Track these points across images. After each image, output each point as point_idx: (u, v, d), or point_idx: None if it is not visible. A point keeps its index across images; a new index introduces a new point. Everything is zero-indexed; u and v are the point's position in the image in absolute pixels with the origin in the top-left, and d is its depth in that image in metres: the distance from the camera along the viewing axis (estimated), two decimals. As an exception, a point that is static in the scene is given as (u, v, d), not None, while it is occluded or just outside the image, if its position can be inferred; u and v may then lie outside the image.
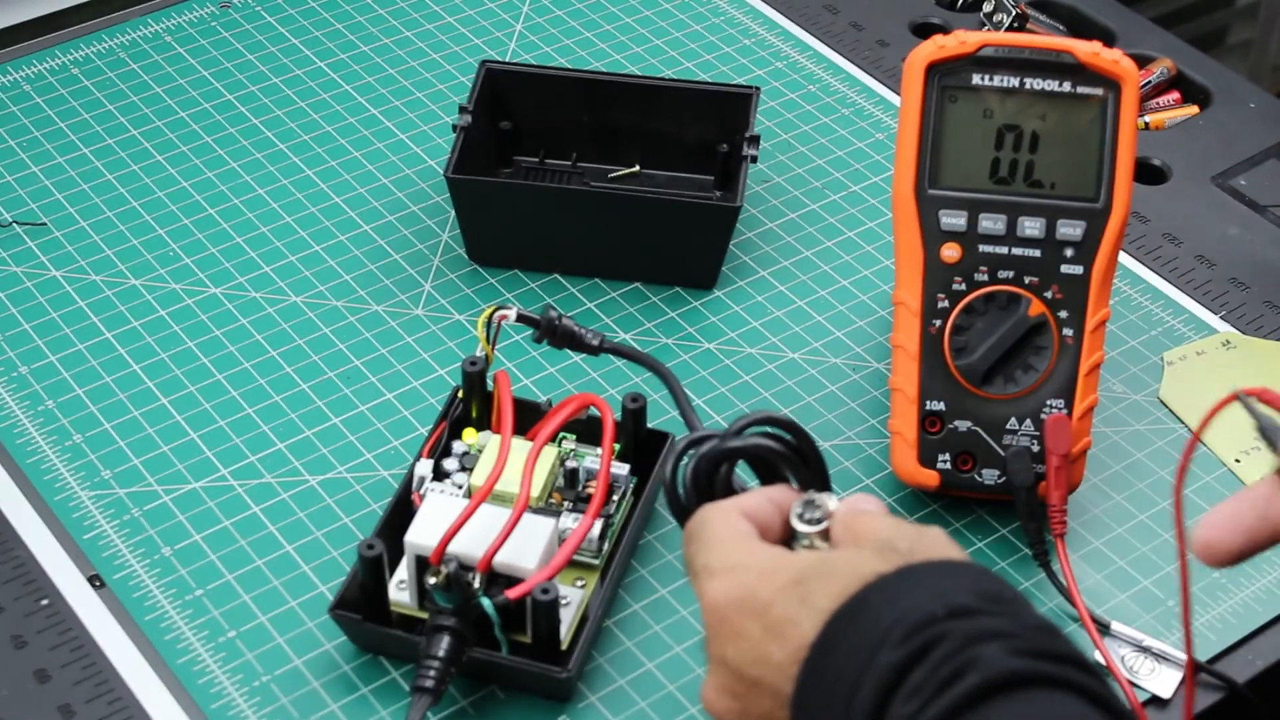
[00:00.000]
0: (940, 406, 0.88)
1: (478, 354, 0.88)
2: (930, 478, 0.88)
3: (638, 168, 1.08)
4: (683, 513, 0.74)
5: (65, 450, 0.92)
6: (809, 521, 0.70)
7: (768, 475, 0.75)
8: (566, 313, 1.00)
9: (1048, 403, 0.87)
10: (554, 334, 0.86)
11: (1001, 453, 0.88)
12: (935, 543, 0.67)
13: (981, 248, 0.88)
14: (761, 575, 0.67)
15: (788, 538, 0.72)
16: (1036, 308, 0.88)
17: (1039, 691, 0.59)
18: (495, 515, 0.80)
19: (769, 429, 0.75)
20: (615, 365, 0.97)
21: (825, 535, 0.70)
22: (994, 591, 0.63)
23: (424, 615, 0.80)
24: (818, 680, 0.63)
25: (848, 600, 0.64)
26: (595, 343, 0.87)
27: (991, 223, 0.88)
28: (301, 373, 0.97)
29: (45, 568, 0.87)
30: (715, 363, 0.99)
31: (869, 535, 0.68)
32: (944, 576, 0.64)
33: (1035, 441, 0.87)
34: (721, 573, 0.68)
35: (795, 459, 0.74)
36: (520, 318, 0.86)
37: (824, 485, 0.74)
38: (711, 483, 0.74)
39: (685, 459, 0.75)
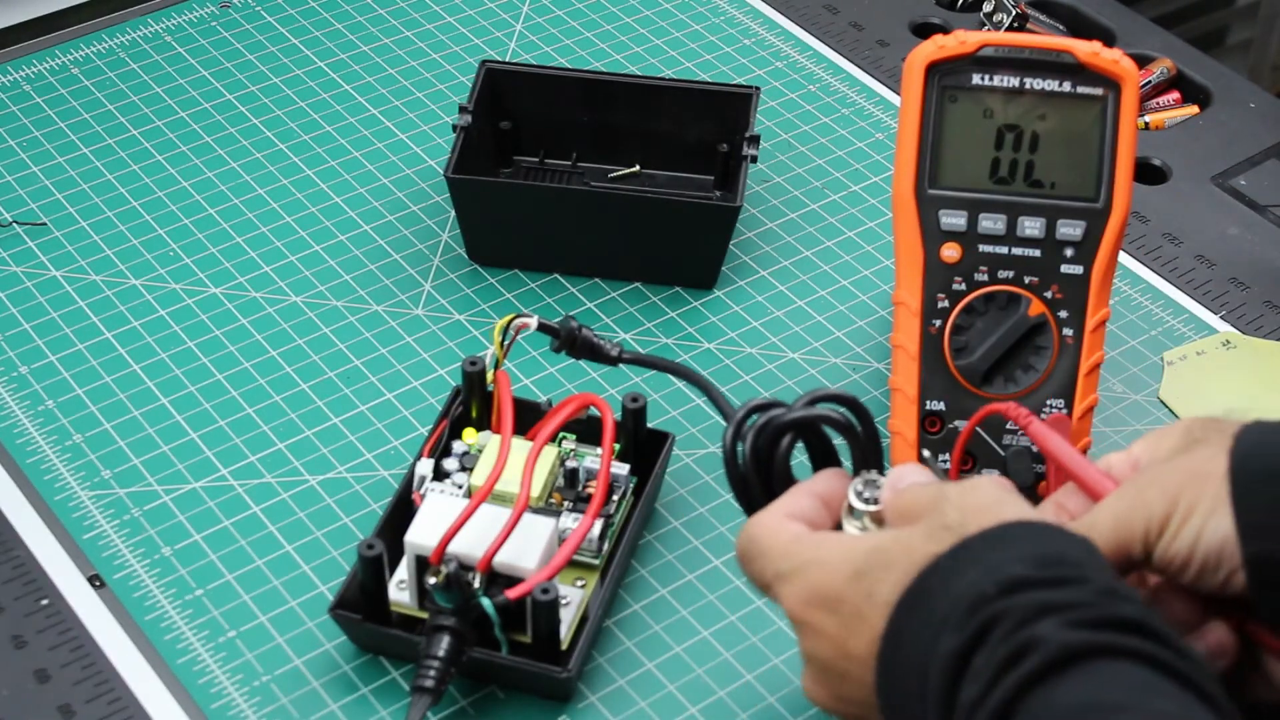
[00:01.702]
0: (940, 406, 0.88)
1: (487, 357, 0.88)
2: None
3: (638, 168, 1.08)
4: (739, 480, 0.74)
5: (65, 450, 0.92)
6: (868, 500, 0.70)
7: (821, 454, 0.75)
8: (566, 312, 1.00)
9: (1048, 403, 0.87)
10: (574, 345, 0.86)
11: (1001, 453, 0.88)
12: (985, 503, 0.65)
13: (981, 248, 0.88)
14: (825, 569, 0.67)
15: (836, 527, 0.71)
16: (1036, 308, 0.88)
17: (1101, 663, 0.58)
18: (495, 515, 0.80)
19: (830, 406, 0.74)
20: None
21: (877, 518, 0.70)
22: (1051, 554, 0.62)
23: (424, 615, 0.80)
24: (892, 672, 0.64)
25: (906, 591, 0.64)
26: (614, 354, 0.87)
27: (991, 223, 0.88)
28: (301, 373, 0.97)
29: (45, 568, 0.87)
30: (715, 363, 0.98)
31: (917, 511, 0.67)
32: (996, 547, 0.63)
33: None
34: (791, 575, 0.69)
35: (859, 436, 0.74)
36: (541, 327, 0.86)
37: (880, 465, 0.74)
38: (773, 454, 0.73)
39: (748, 425, 0.74)
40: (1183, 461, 0.67)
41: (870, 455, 0.74)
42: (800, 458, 0.76)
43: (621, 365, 0.87)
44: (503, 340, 0.86)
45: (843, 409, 0.74)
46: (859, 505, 0.70)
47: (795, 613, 0.68)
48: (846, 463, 0.77)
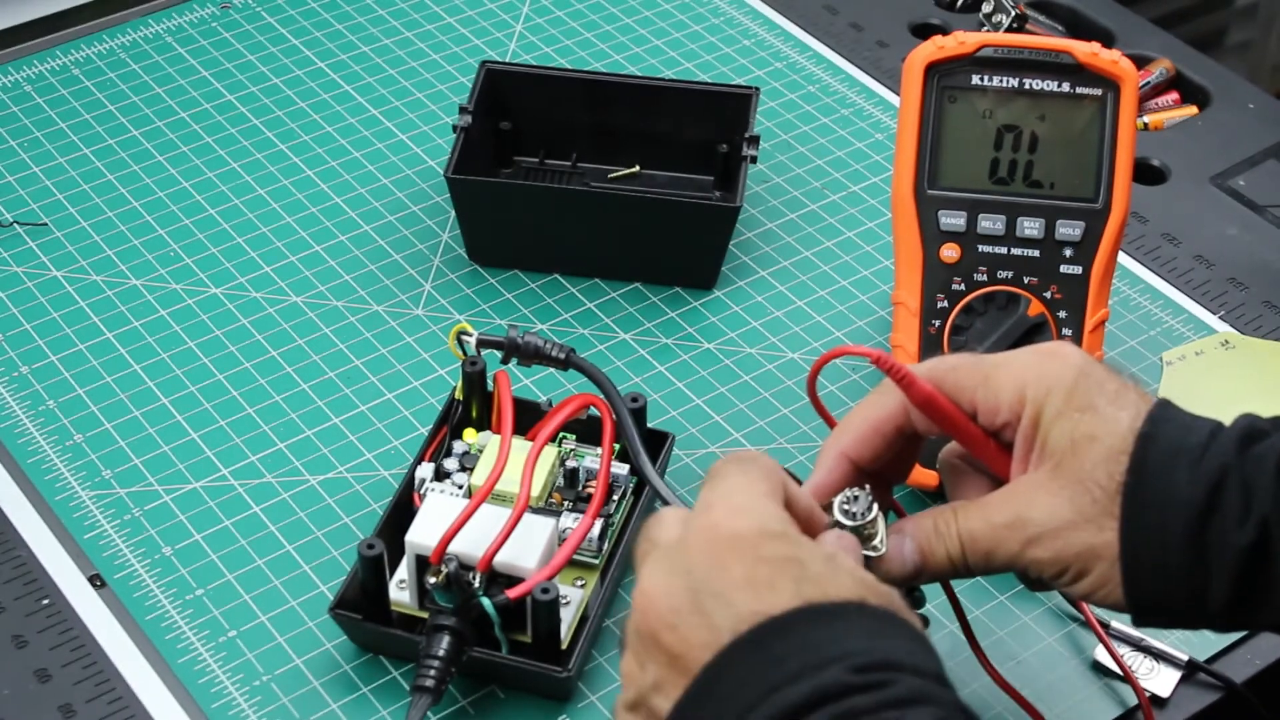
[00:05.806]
0: (940, 406, 0.88)
1: (473, 341, 0.88)
2: (930, 478, 0.88)
3: (638, 168, 1.08)
4: None
5: (65, 450, 0.93)
6: (855, 515, 0.70)
7: None
8: (566, 312, 1.00)
9: (1047, 403, 0.87)
10: (519, 352, 0.86)
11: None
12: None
13: (981, 248, 0.88)
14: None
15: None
16: (1036, 308, 0.88)
17: None
18: (495, 515, 0.80)
19: None
20: (615, 365, 0.97)
21: (870, 529, 0.70)
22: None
23: (424, 615, 0.81)
24: None
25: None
26: (562, 357, 0.86)
27: (991, 223, 0.88)
28: (301, 373, 0.97)
29: (46, 567, 0.87)
30: (715, 363, 0.99)
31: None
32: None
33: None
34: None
35: None
36: (482, 343, 0.86)
37: None
38: None
39: None
40: (1069, 529, 0.67)
41: None
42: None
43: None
44: (464, 351, 0.86)
45: None
46: (849, 522, 0.70)
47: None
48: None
